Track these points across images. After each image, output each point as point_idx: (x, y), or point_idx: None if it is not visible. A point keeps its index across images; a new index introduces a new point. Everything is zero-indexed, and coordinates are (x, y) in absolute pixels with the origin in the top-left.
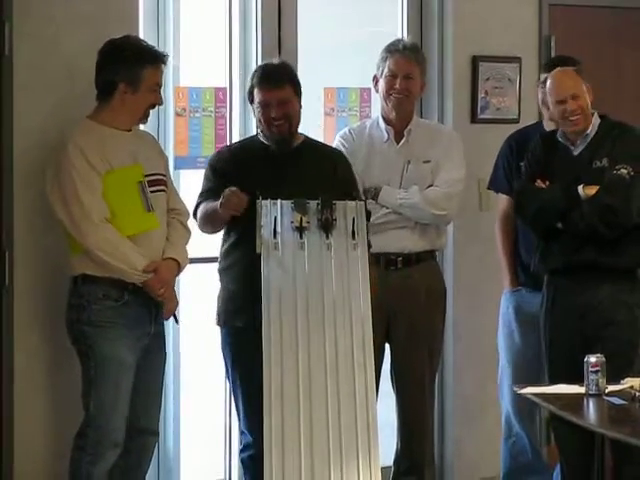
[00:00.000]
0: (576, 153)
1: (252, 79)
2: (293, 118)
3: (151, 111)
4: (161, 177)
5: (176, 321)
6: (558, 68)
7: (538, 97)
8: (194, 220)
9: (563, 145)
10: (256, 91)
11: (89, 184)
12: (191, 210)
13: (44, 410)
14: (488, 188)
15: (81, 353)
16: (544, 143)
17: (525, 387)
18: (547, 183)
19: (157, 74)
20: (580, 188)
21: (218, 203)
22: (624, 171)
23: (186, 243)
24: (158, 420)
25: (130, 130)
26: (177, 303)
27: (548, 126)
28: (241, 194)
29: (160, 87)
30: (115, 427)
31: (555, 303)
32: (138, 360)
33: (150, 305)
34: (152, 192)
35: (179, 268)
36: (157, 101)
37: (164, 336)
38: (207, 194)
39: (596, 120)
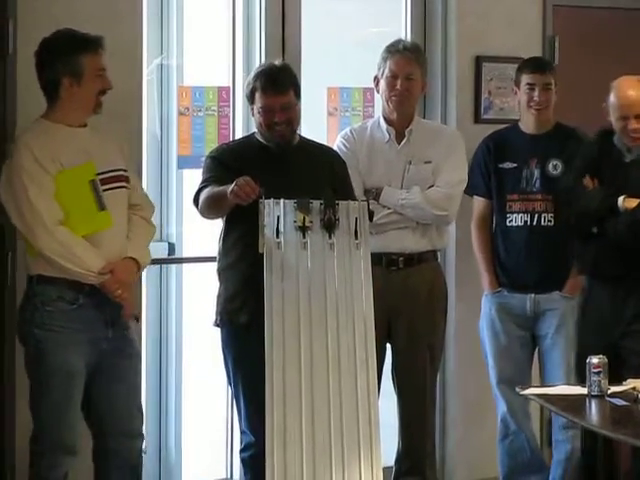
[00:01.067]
0: (628, 160)
1: (254, 81)
2: (294, 123)
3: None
4: (120, 173)
5: (137, 320)
6: (625, 77)
7: (516, 99)
8: (195, 207)
9: (617, 149)
10: (259, 95)
11: (40, 186)
12: (192, 196)
13: None
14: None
15: (29, 356)
16: (600, 142)
17: (527, 388)
18: (595, 182)
19: (97, 59)
20: (621, 199)
21: (228, 188)
22: None
23: (148, 239)
24: (138, 423)
25: (85, 126)
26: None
27: (527, 128)
28: (255, 185)
29: (104, 71)
30: (66, 435)
31: (587, 308)
32: (96, 365)
33: (106, 308)
34: (111, 189)
35: (139, 267)
36: (106, 85)
37: (131, 338)
38: (210, 181)
39: None
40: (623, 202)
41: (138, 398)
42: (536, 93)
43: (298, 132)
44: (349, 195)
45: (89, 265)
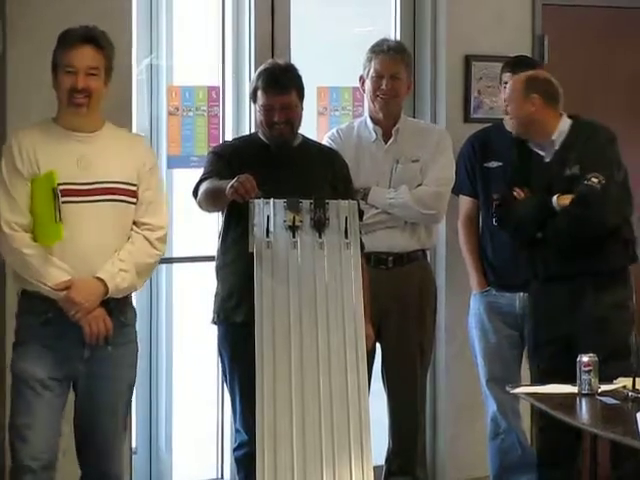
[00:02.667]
0: (547, 160)
1: (257, 80)
2: (295, 122)
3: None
4: (118, 186)
5: (106, 344)
6: None
7: (501, 96)
8: (193, 199)
9: (535, 152)
10: (260, 93)
11: (8, 189)
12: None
13: None
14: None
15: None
16: (518, 149)
17: (517, 386)
18: (524, 192)
19: (68, 54)
20: (554, 198)
21: (227, 184)
22: (595, 180)
23: (139, 262)
24: (116, 463)
25: (94, 131)
26: (105, 328)
27: (511, 127)
28: (254, 184)
29: (76, 70)
30: (30, 453)
31: (538, 307)
32: (75, 388)
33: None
34: (95, 201)
35: (106, 290)
36: (71, 84)
37: (117, 360)
38: (210, 175)
39: (565, 123)
40: (558, 200)
41: (117, 438)
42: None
43: (301, 134)
44: (351, 195)
45: (44, 277)
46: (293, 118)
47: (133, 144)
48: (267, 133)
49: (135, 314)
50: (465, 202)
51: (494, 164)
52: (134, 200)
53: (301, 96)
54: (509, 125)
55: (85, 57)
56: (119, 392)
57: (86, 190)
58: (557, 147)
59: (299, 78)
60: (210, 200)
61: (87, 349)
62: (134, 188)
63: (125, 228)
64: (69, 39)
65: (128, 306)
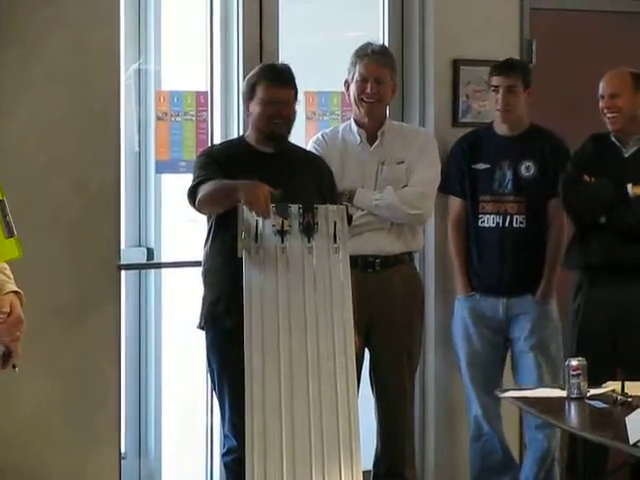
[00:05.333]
0: (627, 154)
1: (257, 76)
2: (291, 120)
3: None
4: None
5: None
6: (616, 68)
7: (494, 99)
8: (189, 202)
9: (615, 145)
10: (263, 87)
11: None
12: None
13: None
14: (438, 190)
15: None
16: (595, 141)
17: (506, 390)
18: (592, 179)
19: None
20: (629, 186)
21: (239, 185)
22: None
23: None
24: None
25: None
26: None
27: (500, 130)
28: (269, 204)
29: None
30: None
31: (590, 297)
32: None
33: None
34: None
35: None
36: None
37: None
38: (207, 176)
39: None
40: (633, 188)
41: None
42: (499, 95)
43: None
44: (336, 202)
45: None
46: (291, 114)
47: None
48: (263, 127)
49: None
50: (454, 203)
51: (482, 166)
52: None
53: (296, 97)
54: (499, 128)
55: None
56: None
57: None
58: (639, 143)
59: (295, 79)
60: (216, 200)
61: None
62: None
63: None
64: None
65: None
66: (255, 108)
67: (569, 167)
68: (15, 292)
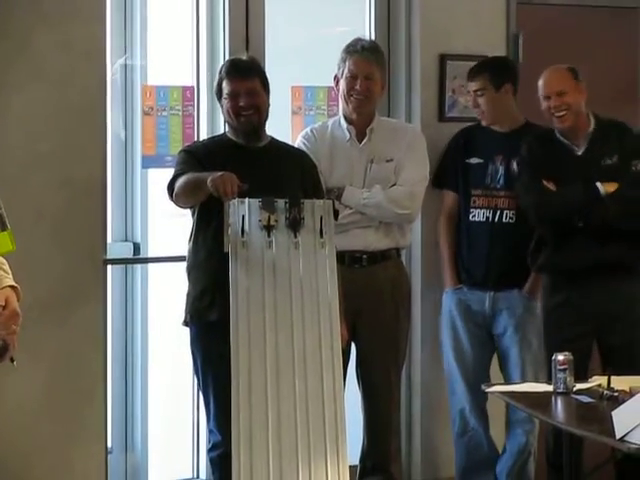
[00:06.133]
0: (580, 152)
1: (220, 72)
2: (262, 110)
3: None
4: None
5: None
6: (551, 66)
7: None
8: (168, 196)
9: (564, 144)
10: (225, 82)
11: None
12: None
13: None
14: (432, 185)
15: None
16: (541, 142)
17: (492, 385)
18: (551, 183)
19: None
20: (599, 185)
21: (209, 176)
22: None
23: None
24: None
25: None
26: None
27: (493, 126)
28: (236, 189)
29: None
30: None
31: (570, 298)
32: None
33: None
34: None
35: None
36: None
37: None
38: (184, 171)
39: (592, 119)
40: (603, 187)
41: None
42: (471, 99)
43: (270, 135)
44: (320, 196)
45: None
46: (259, 104)
47: None
48: (234, 123)
49: None
50: (448, 197)
51: (475, 160)
52: None
53: (265, 86)
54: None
55: None
56: None
57: None
58: (588, 139)
59: (261, 69)
60: (189, 192)
61: None
62: None
63: None
64: None
65: None
66: (224, 104)
67: (522, 173)
68: (12, 287)
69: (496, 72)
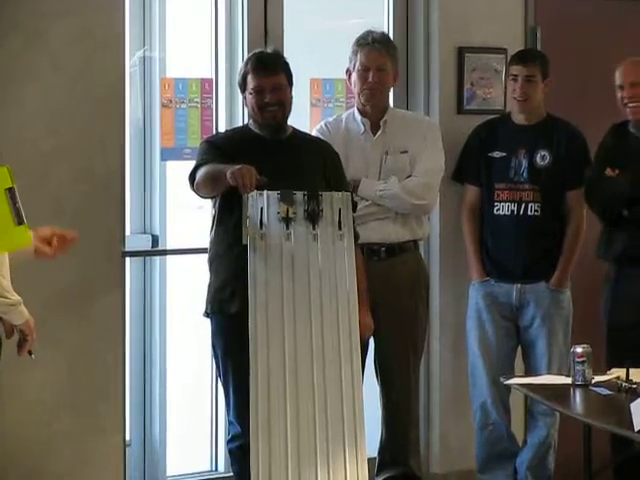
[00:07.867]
0: None
1: (245, 66)
2: (286, 105)
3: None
4: None
5: (30, 355)
6: (630, 58)
7: (508, 89)
8: (189, 186)
9: (635, 136)
10: (250, 77)
11: None
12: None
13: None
14: (453, 179)
15: None
16: (614, 133)
17: (511, 377)
18: (616, 171)
19: None
20: None
21: (229, 168)
22: None
23: None
24: None
25: None
26: None
27: (516, 119)
28: (254, 182)
29: None
30: None
31: (616, 290)
32: None
33: None
34: None
35: None
36: None
37: None
38: (207, 161)
39: None
40: None
41: None
42: (518, 84)
43: (291, 125)
44: (343, 186)
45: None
46: (284, 100)
47: None
48: (259, 118)
49: None
50: (470, 191)
51: (498, 154)
52: None
53: (290, 81)
54: (516, 117)
55: None
56: None
57: None
58: None
59: (287, 63)
60: (209, 183)
61: None
62: None
63: None
64: None
65: None
66: (248, 98)
67: (593, 163)
68: None
69: (545, 63)
